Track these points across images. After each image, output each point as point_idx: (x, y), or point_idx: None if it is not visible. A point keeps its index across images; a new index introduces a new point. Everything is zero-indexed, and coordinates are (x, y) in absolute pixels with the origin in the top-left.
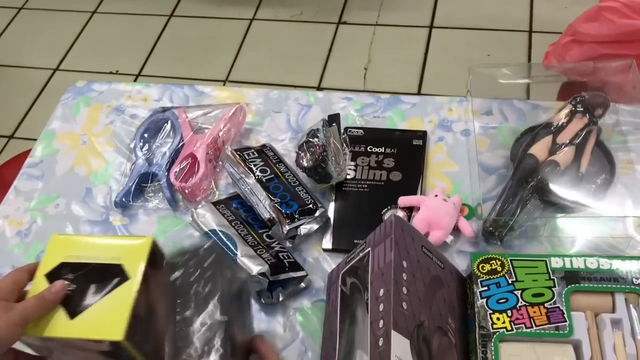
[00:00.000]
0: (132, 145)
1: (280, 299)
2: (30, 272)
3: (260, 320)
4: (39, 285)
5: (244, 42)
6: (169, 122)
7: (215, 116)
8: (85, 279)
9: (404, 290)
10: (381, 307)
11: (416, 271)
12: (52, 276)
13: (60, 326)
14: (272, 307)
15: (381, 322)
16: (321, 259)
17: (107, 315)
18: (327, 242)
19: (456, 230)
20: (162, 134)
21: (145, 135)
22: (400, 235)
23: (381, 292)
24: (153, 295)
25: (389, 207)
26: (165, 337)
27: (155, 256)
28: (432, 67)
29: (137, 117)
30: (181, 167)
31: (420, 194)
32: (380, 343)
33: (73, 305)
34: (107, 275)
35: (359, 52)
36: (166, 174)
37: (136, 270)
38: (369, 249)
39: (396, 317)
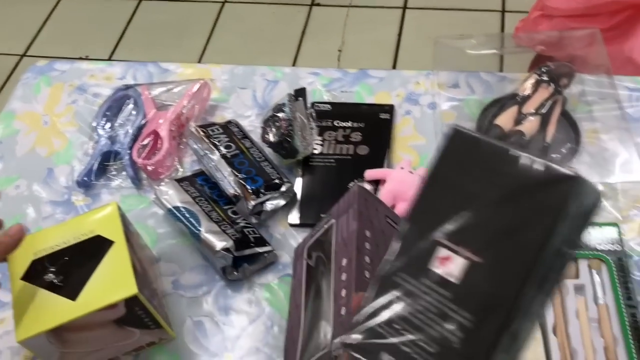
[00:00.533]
0: (94, 124)
1: (247, 275)
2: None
3: (225, 297)
4: (18, 288)
5: (216, 24)
6: (132, 99)
7: (179, 92)
8: (68, 262)
9: (367, 259)
10: (343, 276)
11: (380, 241)
12: (29, 277)
13: (67, 311)
14: (238, 283)
15: (344, 291)
16: (288, 235)
17: (110, 279)
18: (294, 217)
19: None
20: (124, 112)
21: (108, 113)
22: (363, 205)
23: (344, 261)
24: (136, 253)
25: (356, 181)
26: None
27: (124, 218)
28: (405, 48)
29: (100, 95)
30: (144, 144)
31: (387, 168)
32: (343, 312)
33: (69, 290)
34: (90, 249)
35: (333, 33)
36: (129, 152)
37: (117, 233)
38: (333, 220)
39: (358, 285)
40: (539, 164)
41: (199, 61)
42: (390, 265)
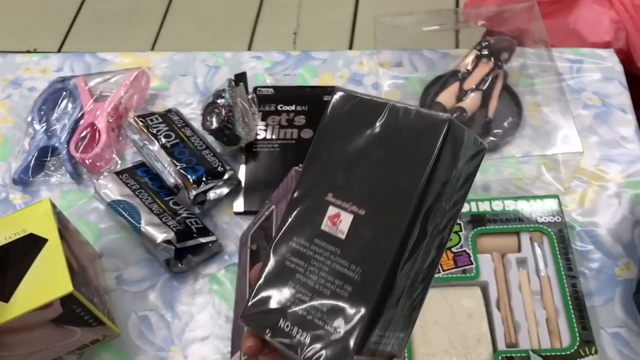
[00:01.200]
0: (29, 119)
1: (191, 266)
2: None
3: (171, 290)
4: None
5: (167, 12)
6: (68, 92)
7: (116, 82)
8: None
9: None
10: None
11: None
12: None
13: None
14: (183, 275)
15: None
16: (233, 223)
17: (45, 278)
18: (239, 205)
19: None
20: (61, 105)
21: (44, 107)
22: None
23: None
24: (73, 250)
25: (300, 165)
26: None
27: (59, 215)
28: (362, 29)
29: (36, 89)
30: (81, 137)
31: None
32: None
33: (2, 291)
34: (22, 248)
35: (288, 16)
36: (66, 146)
37: (51, 231)
38: (273, 206)
39: None
40: (410, 112)
41: (152, 49)
42: (283, 231)
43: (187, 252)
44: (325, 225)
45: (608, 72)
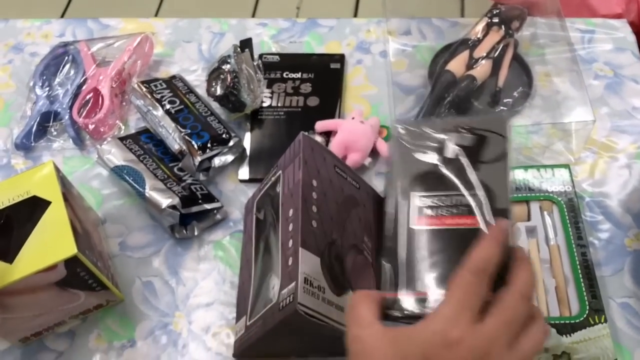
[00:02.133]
0: (31, 84)
1: (196, 233)
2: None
3: (175, 256)
4: None
5: None
6: (70, 57)
7: (119, 47)
8: (3, 225)
9: (314, 208)
10: (290, 227)
11: (328, 190)
12: None
13: (4, 275)
14: (187, 241)
15: (290, 241)
16: (238, 191)
17: (49, 241)
18: (244, 172)
19: (375, 153)
20: (63, 70)
21: (46, 72)
22: (309, 154)
23: (290, 212)
24: (77, 214)
25: (306, 133)
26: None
27: (63, 179)
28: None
29: (38, 54)
30: (84, 103)
31: (338, 118)
32: (290, 262)
33: (6, 253)
34: (26, 210)
35: None
36: (69, 111)
37: (55, 193)
38: (280, 172)
39: (305, 235)
40: None
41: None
42: None
43: (192, 218)
44: None
45: (620, 43)
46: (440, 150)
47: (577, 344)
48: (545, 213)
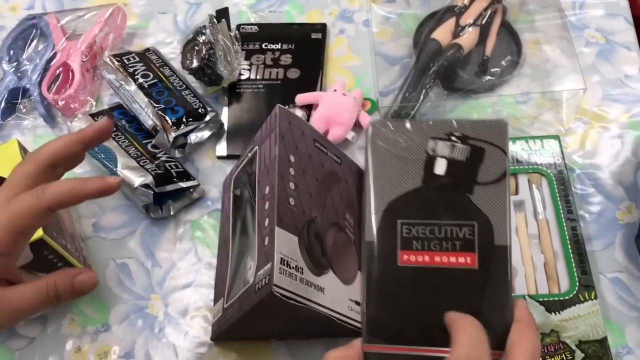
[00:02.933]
0: None
1: (172, 212)
2: (83, 143)
3: (151, 236)
4: None
5: None
6: (39, 30)
7: (90, 19)
8: None
9: (291, 185)
10: (266, 205)
11: (307, 166)
12: None
13: None
14: (163, 221)
15: (266, 220)
16: (216, 168)
17: None
18: (222, 148)
19: (358, 126)
20: (31, 45)
21: (13, 47)
22: (286, 128)
23: (267, 189)
24: None
25: (287, 107)
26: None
27: (25, 153)
28: None
29: (5, 28)
30: (54, 78)
31: (320, 91)
32: (266, 242)
33: None
34: None
35: None
36: (38, 87)
37: None
38: (256, 147)
39: (281, 213)
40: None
41: None
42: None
43: (167, 197)
44: None
45: (613, 8)
46: (428, 163)
47: (567, 322)
48: (533, 186)
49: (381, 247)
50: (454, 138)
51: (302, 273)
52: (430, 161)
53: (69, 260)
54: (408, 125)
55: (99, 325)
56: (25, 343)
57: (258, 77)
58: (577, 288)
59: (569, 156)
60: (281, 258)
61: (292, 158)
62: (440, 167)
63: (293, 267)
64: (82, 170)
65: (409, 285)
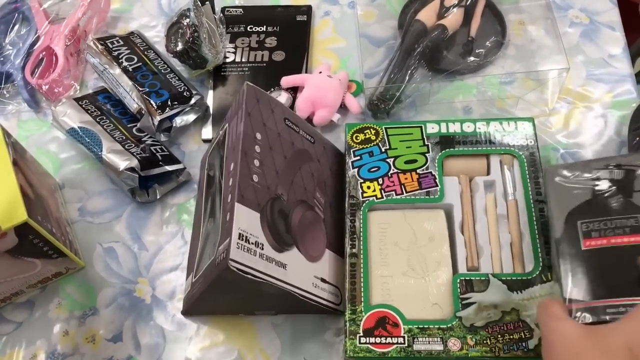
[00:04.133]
0: None
1: (158, 196)
2: None
3: (137, 220)
4: None
5: None
6: (21, 13)
7: (73, 3)
8: None
9: (256, 162)
10: (230, 181)
11: (274, 144)
12: None
13: None
14: (150, 205)
15: (229, 196)
16: (201, 151)
17: None
18: (207, 132)
19: (344, 108)
20: (14, 29)
21: None
22: (254, 105)
23: (232, 166)
24: (29, 179)
25: (272, 89)
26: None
27: (13, 144)
28: None
29: None
30: (37, 62)
31: (306, 73)
32: (227, 218)
33: None
34: None
35: None
36: (21, 72)
37: (2, 158)
38: (227, 125)
39: (242, 190)
40: None
41: None
42: None
43: (153, 181)
44: None
45: None
46: (594, 184)
47: (527, 301)
48: (505, 167)
49: (567, 239)
50: (611, 167)
51: (262, 249)
52: (595, 182)
53: (56, 245)
54: (575, 165)
55: (87, 309)
56: (13, 327)
57: (243, 60)
58: (540, 268)
59: (553, 136)
60: (239, 233)
61: (258, 135)
62: (603, 185)
63: (252, 243)
64: (67, 154)
65: (593, 261)
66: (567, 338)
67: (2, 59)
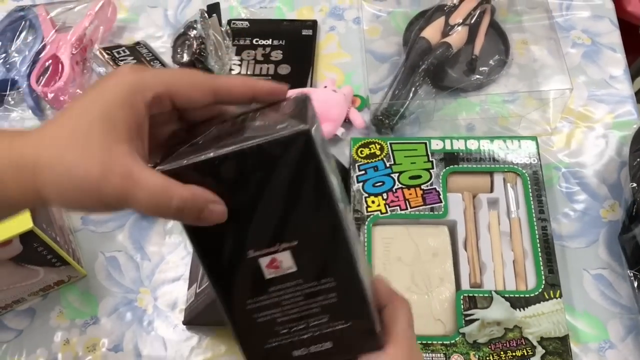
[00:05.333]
0: None
1: None
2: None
3: (140, 229)
4: None
5: None
6: (28, 22)
7: (80, 12)
8: None
9: None
10: None
11: None
12: None
13: None
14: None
15: None
16: None
17: None
18: None
19: (348, 123)
20: (20, 36)
21: (2, 38)
22: None
23: None
24: None
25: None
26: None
27: None
28: None
29: None
30: (43, 70)
31: (310, 87)
32: None
33: None
34: None
35: None
36: (27, 79)
37: None
38: None
39: None
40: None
41: None
42: (231, 306)
43: None
44: (270, 274)
45: (598, 10)
46: None
47: (530, 318)
48: (508, 185)
49: None
50: None
51: None
52: None
53: (59, 253)
54: None
55: (88, 318)
56: (13, 335)
57: (249, 73)
58: (543, 286)
59: (555, 155)
60: None
61: None
62: None
63: None
64: None
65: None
66: None
67: (8, 66)
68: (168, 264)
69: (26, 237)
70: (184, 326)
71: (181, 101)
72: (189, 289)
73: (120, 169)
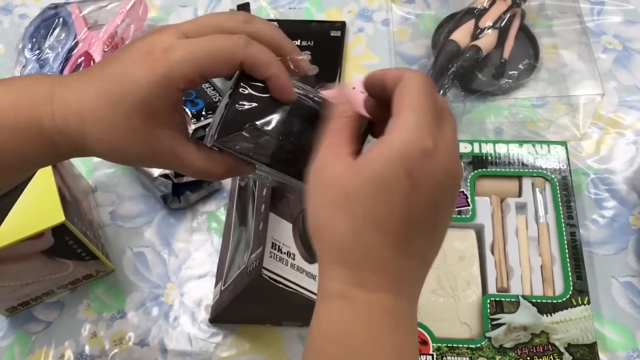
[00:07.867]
0: (20, 47)
1: (189, 203)
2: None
3: (168, 226)
4: None
5: None
6: (61, 19)
7: (112, 10)
8: None
9: None
10: (264, 191)
11: None
12: None
13: None
14: (180, 212)
15: (263, 206)
16: None
17: (36, 208)
18: None
19: None
20: (53, 33)
21: (36, 35)
22: None
23: None
24: (66, 182)
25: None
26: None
27: None
28: None
29: (28, 16)
30: (75, 67)
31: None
32: (260, 227)
33: None
34: None
35: None
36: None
37: None
38: None
39: (276, 199)
40: None
41: None
42: None
43: (185, 188)
44: None
45: (631, 15)
46: None
47: (557, 324)
48: (537, 190)
49: None
50: None
51: (294, 259)
52: None
53: (89, 247)
54: None
55: (115, 312)
56: (42, 327)
57: None
58: (570, 292)
59: (584, 160)
60: (272, 243)
61: None
62: None
63: (285, 253)
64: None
65: None
66: (332, 177)
67: (41, 62)
68: (195, 260)
69: (58, 231)
70: (209, 323)
71: (211, 76)
72: (215, 286)
73: (166, 151)
